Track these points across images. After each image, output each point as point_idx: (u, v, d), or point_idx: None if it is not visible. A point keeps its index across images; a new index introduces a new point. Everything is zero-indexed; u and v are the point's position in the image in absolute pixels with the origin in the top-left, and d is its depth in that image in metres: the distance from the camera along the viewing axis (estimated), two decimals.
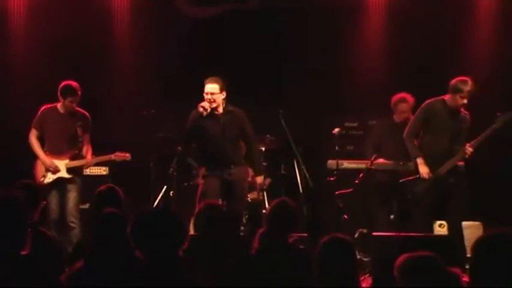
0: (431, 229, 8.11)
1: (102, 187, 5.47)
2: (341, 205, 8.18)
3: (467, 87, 7.27)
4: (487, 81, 9.41)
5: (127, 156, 8.13)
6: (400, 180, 7.68)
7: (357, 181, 8.04)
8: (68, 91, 7.86)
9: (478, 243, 3.07)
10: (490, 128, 7.35)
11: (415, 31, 9.52)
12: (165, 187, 8.48)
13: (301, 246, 5.18)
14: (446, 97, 7.46)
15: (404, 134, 7.66)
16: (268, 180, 9.08)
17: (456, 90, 7.32)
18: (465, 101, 7.34)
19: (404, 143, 7.68)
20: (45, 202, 5.75)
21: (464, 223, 8.18)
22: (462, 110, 7.50)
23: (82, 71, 9.07)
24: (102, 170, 8.74)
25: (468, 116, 7.54)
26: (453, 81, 7.37)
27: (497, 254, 2.98)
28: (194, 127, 7.40)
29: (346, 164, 8.51)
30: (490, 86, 9.43)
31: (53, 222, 7.82)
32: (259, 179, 7.76)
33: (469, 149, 7.36)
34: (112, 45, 9.89)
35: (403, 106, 8.19)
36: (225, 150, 7.36)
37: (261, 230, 5.13)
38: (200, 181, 7.68)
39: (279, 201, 5.30)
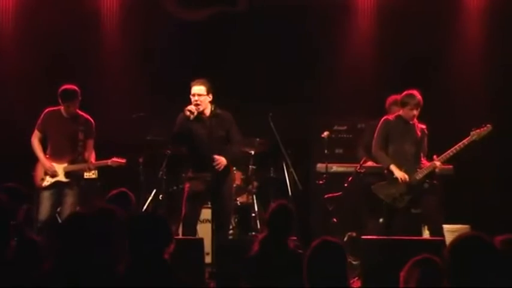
0: (420, 232, 8.15)
1: (114, 191, 5.46)
2: (330, 208, 8.21)
3: (414, 100, 7.50)
4: (475, 81, 9.50)
5: (123, 162, 8.09)
6: (372, 186, 7.72)
7: (346, 184, 8.05)
8: (65, 96, 7.82)
9: (453, 246, 3.09)
10: (466, 140, 7.46)
11: (405, 34, 9.54)
12: (154, 190, 8.47)
13: (300, 251, 5.19)
14: (400, 112, 7.67)
15: (373, 150, 7.76)
16: (255, 184, 9.08)
17: (404, 104, 7.58)
18: (415, 112, 7.54)
19: (375, 158, 7.79)
20: (27, 205, 5.66)
21: (453, 227, 8.21)
22: (418, 124, 7.65)
23: (70, 73, 9.04)
24: (91, 174, 8.70)
25: (425, 130, 7.69)
26: (401, 96, 7.63)
27: (472, 256, 2.99)
28: (181, 130, 7.37)
29: (336, 168, 8.53)
30: (478, 86, 9.51)
31: (41, 222, 7.76)
32: (219, 157, 7.45)
33: (437, 162, 7.49)
34: (101, 48, 9.87)
35: (396, 110, 8.23)
36: (211, 153, 7.32)
37: (262, 235, 5.15)
38: (186, 184, 7.62)
39: (277, 205, 5.28)
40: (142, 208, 8.31)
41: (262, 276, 4.82)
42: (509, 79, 9.41)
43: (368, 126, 8.60)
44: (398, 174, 7.51)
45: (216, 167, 7.31)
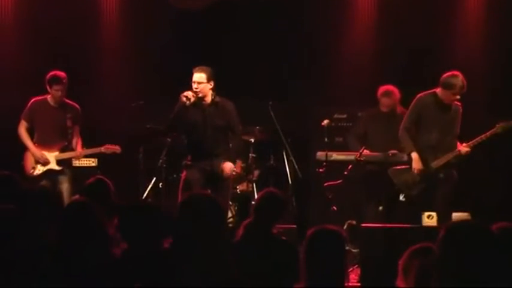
0: (419, 220, 8.14)
1: (91, 179, 5.47)
2: (330, 196, 8.21)
3: (459, 82, 7.27)
4: (476, 72, 9.47)
5: (117, 148, 8.12)
6: (389, 169, 7.71)
7: (345, 173, 8.05)
8: (53, 79, 7.88)
9: (443, 233, 3.04)
10: (490, 132, 7.38)
11: (406, 23, 9.52)
12: (154, 179, 8.48)
13: (283, 238, 5.21)
14: (438, 90, 7.44)
15: (400, 131, 7.65)
16: (256, 172, 9.08)
17: (448, 86, 7.31)
18: (457, 96, 7.38)
19: (400, 138, 7.68)
20: None
21: (461, 214, 8.20)
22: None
23: (70, 62, 9.03)
24: (91, 162, 8.69)
25: (460, 107, 7.54)
26: (444, 77, 7.34)
27: (461, 243, 2.96)
28: (178, 115, 7.34)
29: (335, 156, 8.53)
30: (477, 80, 9.48)
31: None
32: (227, 166, 7.49)
33: (465, 148, 7.41)
34: (101, 37, 9.84)
35: (385, 101, 8.23)
36: (208, 141, 7.31)
37: (247, 220, 5.16)
38: (183, 172, 7.61)
39: (266, 191, 5.31)
40: (142, 196, 8.33)
41: (245, 261, 4.84)
42: (509, 71, 9.39)
43: (364, 115, 8.59)
44: (415, 164, 7.46)
45: (224, 176, 7.40)
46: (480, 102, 9.09)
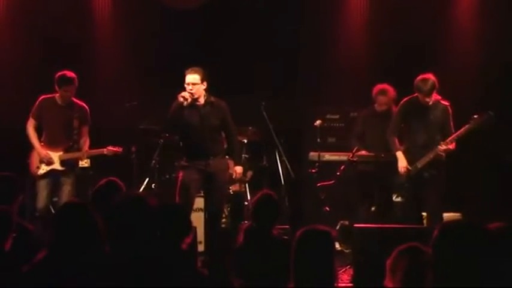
0: (414, 221, 8.16)
1: (103, 180, 5.43)
2: (323, 197, 8.22)
3: (427, 86, 7.35)
4: (470, 68, 9.50)
5: (119, 150, 8.10)
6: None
7: (338, 173, 8.07)
8: (63, 80, 7.82)
9: (438, 233, 3.03)
10: (464, 127, 7.41)
11: (399, 21, 9.53)
12: (147, 179, 8.47)
13: (286, 237, 5.21)
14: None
15: (387, 134, 7.76)
16: (249, 173, 9.09)
17: (417, 89, 7.44)
18: (427, 99, 7.43)
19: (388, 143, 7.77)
20: (22, 195, 5.61)
21: (453, 215, 8.23)
22: (441, 101, 7.55)
23: (62, 62, 9.01)
24: (84, 162, 8.66)
25: (448, 107, 7.57)
26: (416, 80, 7.45)
27: (455, 242, 2.95)
28: (174, 117, 7.35)
29: (328, 156, 8.55)
30: (473, 73, 9.51)
31: (39, 211, 7.76)
32: (238, 169, 7.65)
33: (442, 146, 7.44)
34: (94, 36, 9.84)
35: (381, 99, 8.23)
36: (204, 142, 7.31)
37: (245, 225, 5.16)
38: (179, 172, 7.61)
39: (262, 195, 5.31)
40: None
41: (249, 266, 4.84)
42: (504, 66, 9.41)
43: (360, 115, 8.61)
44: (400, 163, 7.55)
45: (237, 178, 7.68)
46: (475, 99, 9.11)
